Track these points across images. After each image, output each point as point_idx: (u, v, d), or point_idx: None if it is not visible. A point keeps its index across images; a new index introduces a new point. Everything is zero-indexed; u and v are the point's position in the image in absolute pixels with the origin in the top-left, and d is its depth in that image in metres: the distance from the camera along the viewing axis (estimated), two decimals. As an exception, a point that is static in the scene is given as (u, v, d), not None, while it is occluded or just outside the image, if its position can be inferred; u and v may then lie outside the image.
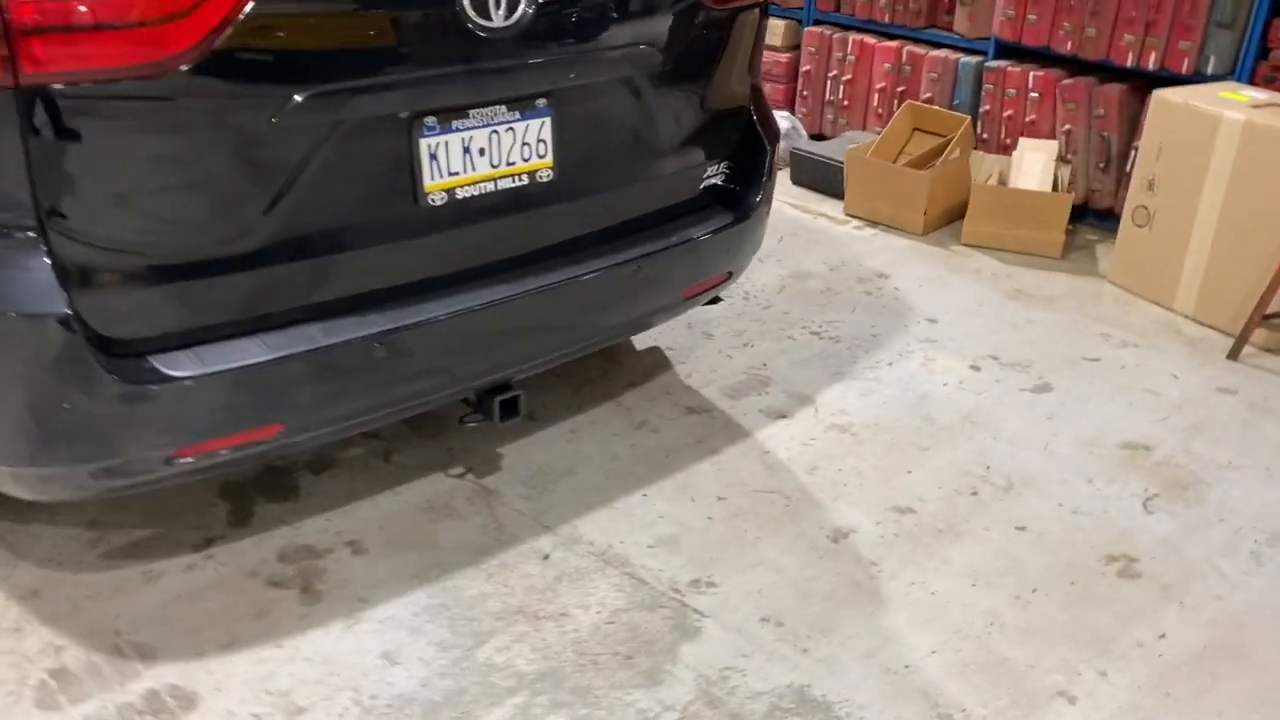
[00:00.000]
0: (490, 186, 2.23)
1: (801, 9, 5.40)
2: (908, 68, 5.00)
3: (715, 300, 3.06)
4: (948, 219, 4.54)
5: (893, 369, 3.42)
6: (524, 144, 2.25)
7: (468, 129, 2.16)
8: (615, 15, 2.29)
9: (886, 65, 5.07)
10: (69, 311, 1.76)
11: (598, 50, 2.29)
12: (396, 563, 2.48)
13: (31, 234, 1.74)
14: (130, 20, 1.69)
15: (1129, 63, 4.26)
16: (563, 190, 2.36)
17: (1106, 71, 4.42)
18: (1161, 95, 3.84)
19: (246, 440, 2.04)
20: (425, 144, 2.10)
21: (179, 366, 1.91)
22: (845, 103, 5.28)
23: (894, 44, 5.04)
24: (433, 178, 2.14)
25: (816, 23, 5.36)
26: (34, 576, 2.38)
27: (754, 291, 3.92)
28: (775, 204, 4.61)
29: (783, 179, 5.09)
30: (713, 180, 2.71)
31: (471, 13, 2.03)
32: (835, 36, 5.23)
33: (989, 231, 4.36)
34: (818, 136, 5.42)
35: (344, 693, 2.12)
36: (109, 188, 1.78)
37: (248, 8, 1.78)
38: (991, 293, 3.99)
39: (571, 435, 2.99)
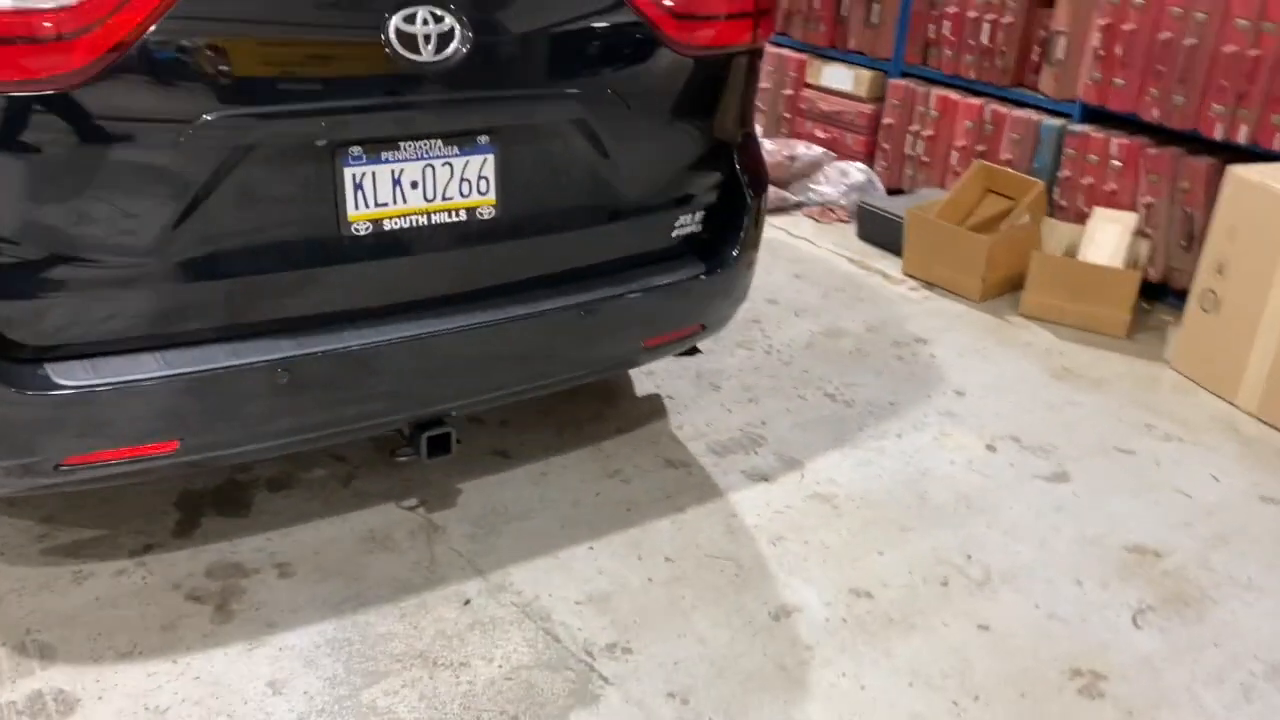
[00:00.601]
0: (423, 220, 2.20)
1: (888, 60, 5.24)
2: (989, 127, 4.78)
3: (693, 351, 2.95)
4: (1009, 287, 4.30)
5: (900, 440, 3.23)
6: (463, 179, 2.21)
7: (398, 161, 2.13)
8: (562, 56, 2.24)
9: (968, 123, 4.85)
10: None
11: (543, 91, 2.23)
12: (318, 590, 2.45)
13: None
14: (24, 37, 1.72)
15: (1217, 135, 3.95)
16: (506, 229, 2.31)
17: (1195, 143, 4.12)
18: (1237, 172, 3.54)
19: (139, 454, 2.05)
20: (350, 173, 2.09)
21: (70, 376, 1.94)
22: (925, 159, 5.08)
23: (977, 101, 4.83)
24: (357, 207, 2.12)
25: (903, 75, 5.19)
26: (-27, 565, 2.45)
27: (778, 346, 3.78)
28: (831, 258, 4.50)
29: (848, 233, 4.94)
30: (688, 229, 2.61)
31: (398, 46, 2.01)
32: (919, 90, 5.05)
33: (1049, 304, 4.10)
34: (895, 191, 5.24)
35: (219, 717, 2.10)
36: (7, 194, 1.82)
37: (150, 30, 1.79)
38: (1036, 369, 3.74)
39: (540, 477, 2.92)
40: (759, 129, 5.48)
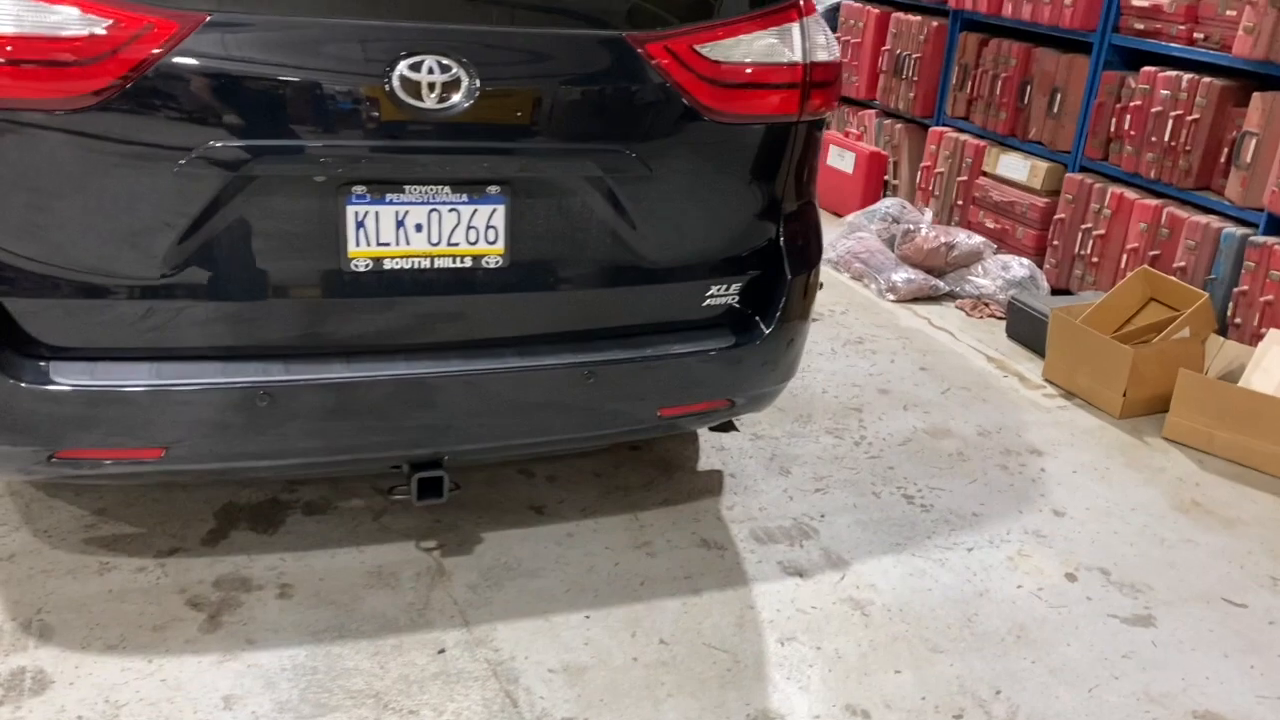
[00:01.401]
0: (425, 263, 2.23)
1: (1068, 153, 4.92)
2: (1165, 230, 4.38)
3: (727, 428, 2.82)
4: (1158, 406, 3.88)
5: (969, 555, 2.96)
6: (470, 227, 2.23)
7: (403, 203, 2.18)
8: (577, 113, 2.22)
9: (1142, 224, 4.47)
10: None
11: (555, 146, 2.22)
12: (307, 616, 2.49)
13: (-49, 236, 1.98)
14: (40, 60, 1.88)
15: None
16: (514, 281, 2.30)
17: (1393, 266, 3.62)
18: None
19: (127, 455, 2.16)
20: (352, 210, 2.14)
21: (67, 375, 2.07)
22: (1095, 259, 4.72)
23: (1155, 203, 4.45)
24: (358, 244, 2.17)
25: (1082, 169, 4.86)
26: (21, 542, 2.66)
27: (871, 438, 3.58)
28: (968, 353, 4.25)
29: (997, 330, 4.64)
30: (721, 300, 2.52)
31: (401, 93, 2.06)
32: (1095, 186, 4.71)
33: (1195, 429, 3.68)
34: (1062, 291, 4.89)
35: (164, 722, 2.16)
36: (21, 201, 1.98)
37: (161, 61, 1.92)
38: (1159, 498, 3.35)
39: (565, 538, 2.87)
40: (929, 213, 5.29)
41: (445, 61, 2.07)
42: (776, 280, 2.53)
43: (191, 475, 2.48)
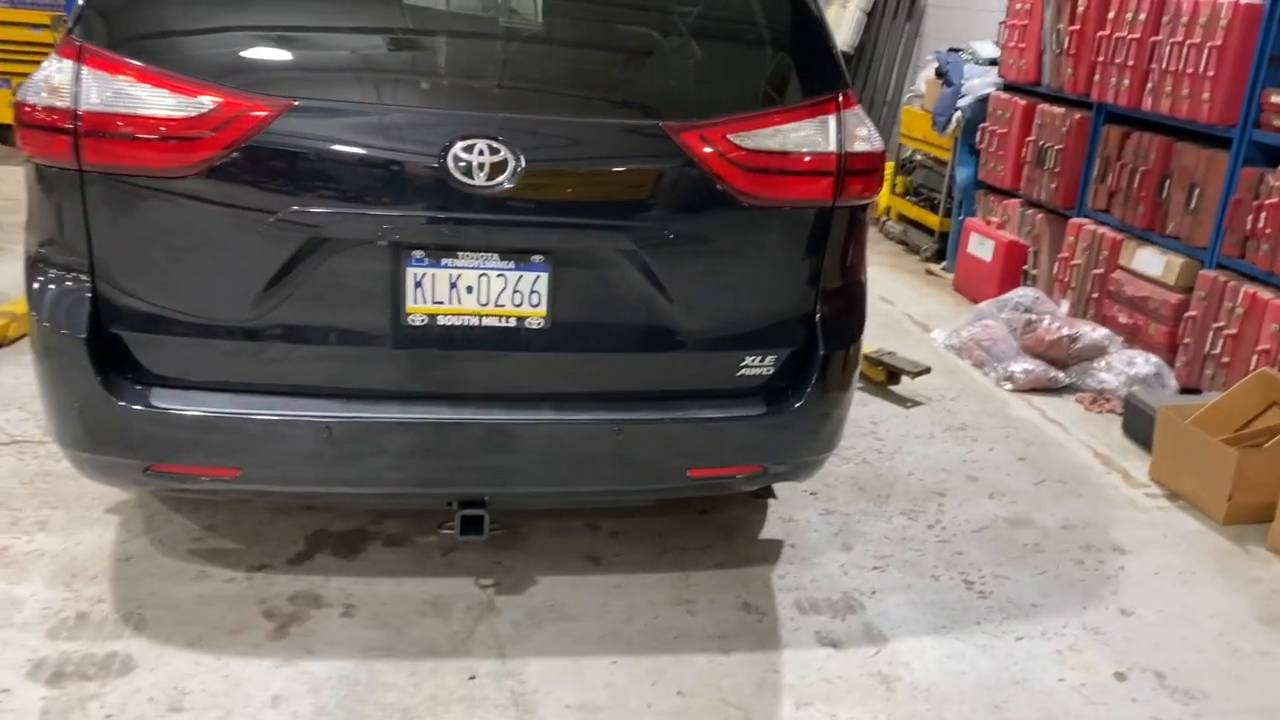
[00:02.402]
0: (474, 321, 2.49)
1: (1205, 249, 4.79)
2: (1297, 332, 4.20)
3: (765, 494, 2.92)
4: (1268, 514, 3.71)
5: (1015, 644, 2.95)
6: (515, 291, 2.48)
7: (456, 267, 2.45)
8: (613, 192, 2.45)
9: (1275, 325, 4.30)
10: (84, 337, 2.36)
11: (592, 222, 2.45)
12: (362, 634, 2.75)
13: (84, 277, 2.38)
14: (156, 136, 2.27)
15: None
16: (554, 341, 2.53)
17: None
18: None
19: (210, 473, 2.49)
20: (411, 272, 2.43)
21: (164, 400, 2.43)
22: (1225, 359, 4.55)
23: (1288, 303, 4.27)
24: (415, 301, 2.45)
25: (1218, 266, 4.71)
26: (139, 547, 3.05)
27: (947, 523, 3.59)
28: (1075, 447, 4.24)
29: (1113, 426, 4.54)
30: (756, 371, 2.66)
31: (455, 171, 2.34)
32: (1229, 284, 4.56)
33: (1301, 540, 3.51)
34: (1191, 390, 4.72)
35: (217, 711, 2.45)
36: (138, 251, 2.37)
37: (251, 139, 2.28)
38: (1244, 608, 3.22)
39: (614, 588, 3.04)
40: (1064, 305, 5.24)
41: (494, 144, 2.34)
42: (811, 354, 2.65)
43: (264, 495, 2.79)
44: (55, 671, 2.52)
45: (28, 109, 2.28)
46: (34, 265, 2.43)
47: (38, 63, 2.44)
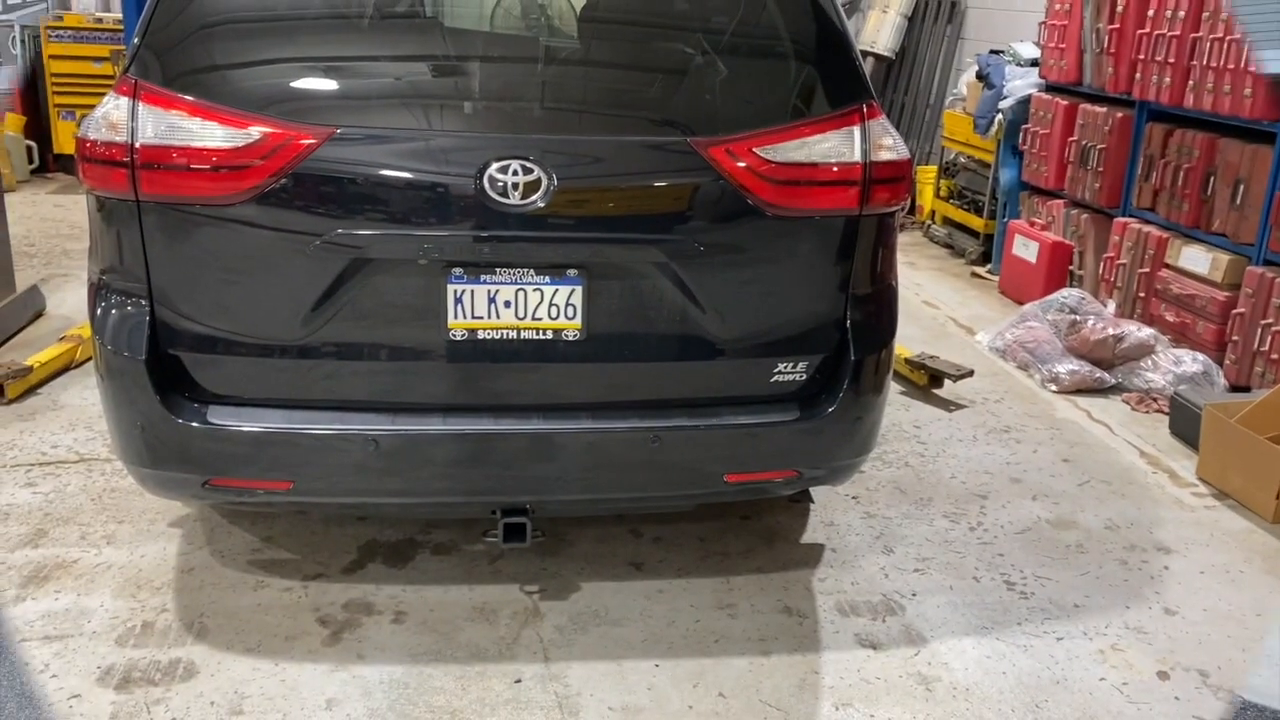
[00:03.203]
0: (513, 334, 2.58)
1: (1252, 245, 4.75)
2: (1346, 328, 4.15)
3: (801, 499, 2.96)
4: (1319, 512, 3.68)
5: (1056, 644, 2.96)
6: (552, 304, 2.56)
7: (495, 283, 2.54)
8: (643, 207, 2.52)
9: (1323, 321, 4.26)
10: (144, 358, 2.49)
11: (623, 236, 2.53)
12: (411, 639, 2.85)
13: (143, 301, 2.51)
14: (208, 166, 2.39)
15: None
16: (589, 353, 2.61)
17: None
18: None
19: (264, 486, 2.61)
20: (452, 288, 2.53)
21: (220, 417, 2.55)
22: (1275, 356, 4.50)
23: (1337, 298, 4.23)
24: (456, 317, 2.55)
25: (1265, 263, 4.67)
26: (201, 559, 3.18)
27: (989, 524, 3.60)
28: (1121, 447, 4.25)
29: (1161, 426, 4.51)
30: (789, 377, 2.72)
31: (491, 191, 2.43)
32: (1277, 280, 4.51)
33: (1351, 538, 3.47)
34: (1241, 389, 4.68)
35: (274, 715, 2.55)
36: (193, 275, 2.49)
37: (295, 167, 2.39)
38: (1291, 607, 3.20)
39: (656, 593, 3.11)
40: (1111, 305, 5.22)
41: (528, 165, 2.43)
42: (843, 360, 2.70)
43: (316, 506, 2.90)
44: (123, 678, 2.64)
45: (89, 144, 2.42)
46: (96, 291, 2.56)
47: (99, 95, 2.58)
